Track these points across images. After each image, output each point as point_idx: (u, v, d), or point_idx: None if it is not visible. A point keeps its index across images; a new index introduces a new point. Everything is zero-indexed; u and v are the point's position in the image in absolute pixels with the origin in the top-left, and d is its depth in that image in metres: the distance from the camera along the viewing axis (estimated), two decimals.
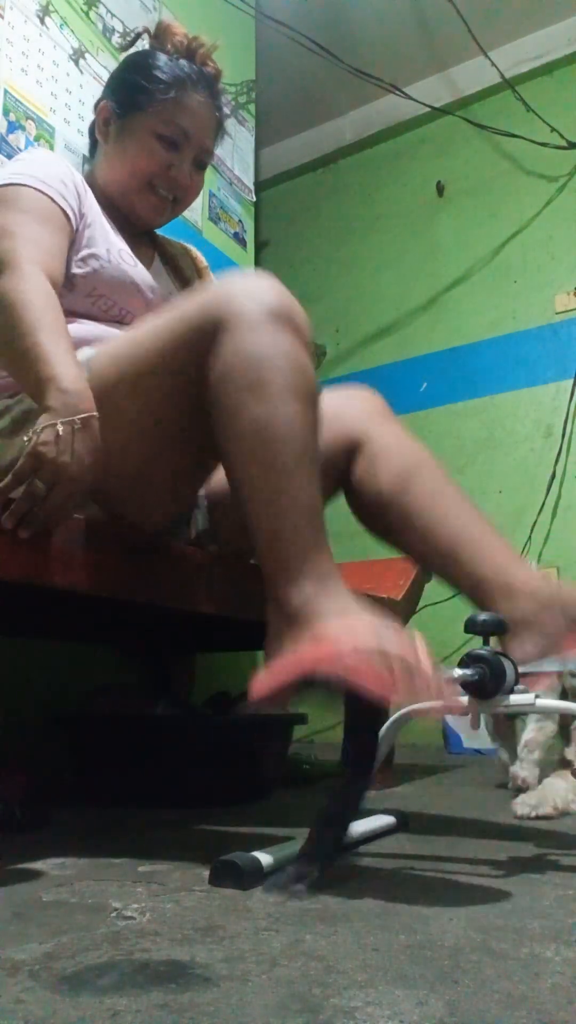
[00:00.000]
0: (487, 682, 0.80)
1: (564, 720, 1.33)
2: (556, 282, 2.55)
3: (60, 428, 0.83)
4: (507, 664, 0.82)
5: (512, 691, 0.82)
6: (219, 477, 1.17)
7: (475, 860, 0.90)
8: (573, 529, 2.37)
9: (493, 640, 0.84)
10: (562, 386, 2.47)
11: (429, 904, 0.69)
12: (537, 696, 0.82)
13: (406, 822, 1.05)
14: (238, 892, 0.73)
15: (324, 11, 2.53)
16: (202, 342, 0.88)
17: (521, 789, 1.27)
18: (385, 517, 1.07)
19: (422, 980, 0.52)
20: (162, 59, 1.18)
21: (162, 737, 1.33)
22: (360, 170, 3.04)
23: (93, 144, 1.27)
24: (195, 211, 2.02)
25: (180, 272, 1.33)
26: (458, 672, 0.81)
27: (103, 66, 1.75)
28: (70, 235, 1.10)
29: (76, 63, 1.72)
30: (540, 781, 1.27)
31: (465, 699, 0.83)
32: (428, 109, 2.75)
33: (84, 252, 1.12)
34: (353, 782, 0.80)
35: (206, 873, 0.78)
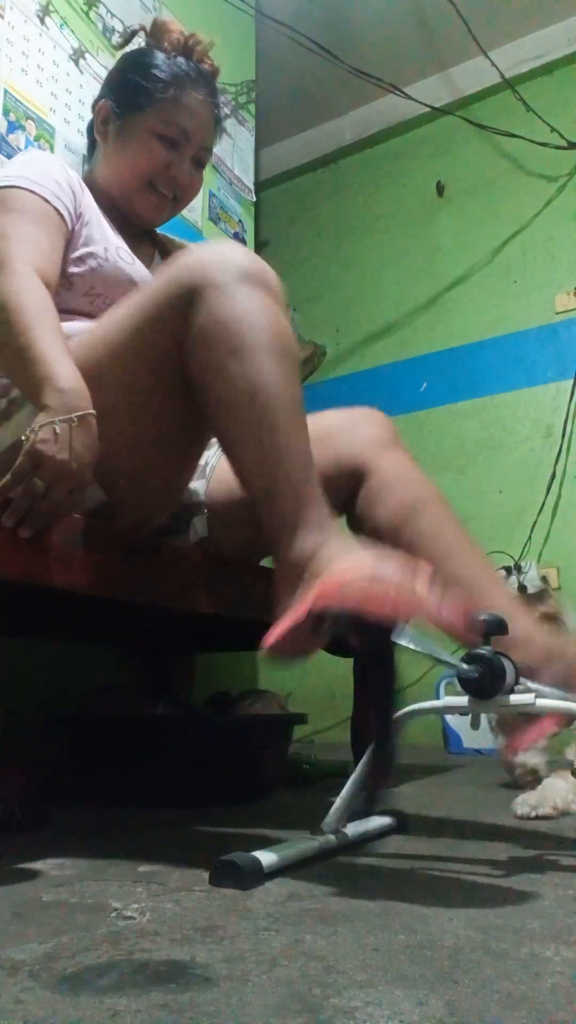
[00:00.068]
0: (487, 682, 0.80)
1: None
2: (556, 282, 2.55)
3: (57, 426, 0.83)
4: (507, 664, 0.82)
5: (512, 691, 0.82)
6: (218, 486, 1.17)
7: (475, 860, 0.89)
8: (573, 529, 2.37)
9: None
10: (562, 386, 2.47)
11: (429, 904, 0.69)
12: (537, 696, 0.82)
13: (406, 822, 1.05)
14: (238, 892, 0.73)
15: (324, 11, 2.53)
16: (179, 312, 0.89)
17: (529, 780, 1.27)
18: None
19: (422, 980, 0.52)
20: (160, 57, 1.18)
21: (162, 737, 1.33)
22: (360, 170, 3.04)
23: (92, 144, 1.27)
24: (195, 211, 2.02)
25: None
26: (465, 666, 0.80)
27: (103, 66, 1.75)
28: (65, 235, 1.10)
29: (76, 63, 1.73)
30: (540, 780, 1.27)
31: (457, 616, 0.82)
32: (428, 109, 2.75)
33: (81, 251, 1.12)
34: (384, 715, 0.80)
35: (206, 873, 0.77)
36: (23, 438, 0.84)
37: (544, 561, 2.34)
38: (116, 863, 0.87)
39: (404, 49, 2.70)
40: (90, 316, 1.12)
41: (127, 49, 1.25)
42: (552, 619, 1.40)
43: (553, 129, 2.55)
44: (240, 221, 2.26)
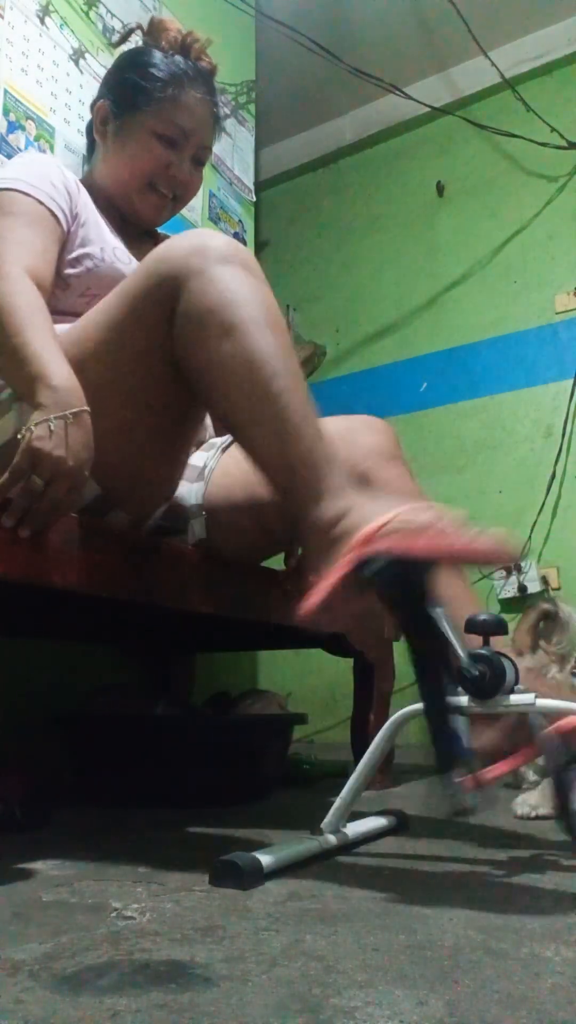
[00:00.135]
0: (487, 682, 0.80)
1: None
2: (556, 282, 2.54)
3: (53, 424, 0.84)
4: (507, 664, 0.82)
5: (512, 691, 0.82)
6: (216, 490, 1.17)
7: (475, 860, 0.89)
8: (573, 529, 2.37)
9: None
10: (562, 386, 2.46)
11: (429, 904, 0.69)
12: (537, 696, 0.82)
13: (406, 822, 1.05)
14: (238, 892, 0.73)
15: (324, 11, 2.53)
16: (162, 307, 0.90)
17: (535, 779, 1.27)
18: None
19: (422, 980, 0.52)
20: (157, 56, 1.18)
21: (162, 737, 1.33)
22: (360, 170, 3.03)
23: (91, 144, 1.27)
24: (195, 211, 2.02)
25: None
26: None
27: (103, 66, 1.75)
28: (61, 237, 1.10)
29: (76, 63, 1.72)
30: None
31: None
32: (428, 109, 2.75)
33: (78, 252, 1.12)
34: (433, 657, 0.78)
35: (206, 873, 0.77)
36: (19, 436, 0.84)
37: (544, 561, 2.34)
38: (116, 863, 0.87)
39: (404, 49, 2.70)
40: None
41: (124, 48, 1.25)
42: (552, 618, 1.40)
43: (553, 129, 2.54)
44: (240, 221, 2.25)
